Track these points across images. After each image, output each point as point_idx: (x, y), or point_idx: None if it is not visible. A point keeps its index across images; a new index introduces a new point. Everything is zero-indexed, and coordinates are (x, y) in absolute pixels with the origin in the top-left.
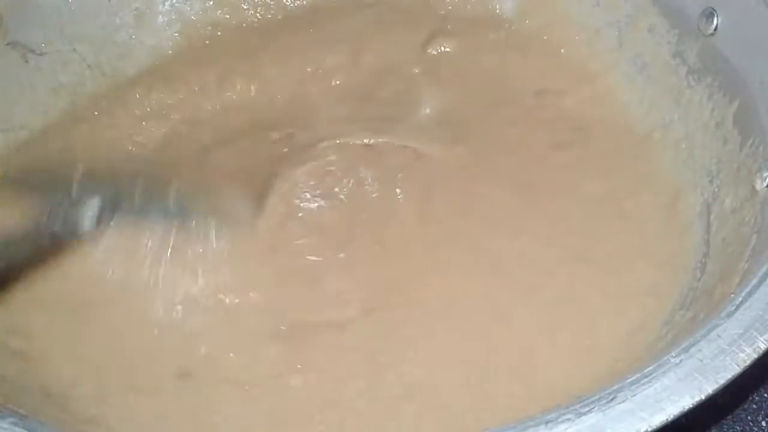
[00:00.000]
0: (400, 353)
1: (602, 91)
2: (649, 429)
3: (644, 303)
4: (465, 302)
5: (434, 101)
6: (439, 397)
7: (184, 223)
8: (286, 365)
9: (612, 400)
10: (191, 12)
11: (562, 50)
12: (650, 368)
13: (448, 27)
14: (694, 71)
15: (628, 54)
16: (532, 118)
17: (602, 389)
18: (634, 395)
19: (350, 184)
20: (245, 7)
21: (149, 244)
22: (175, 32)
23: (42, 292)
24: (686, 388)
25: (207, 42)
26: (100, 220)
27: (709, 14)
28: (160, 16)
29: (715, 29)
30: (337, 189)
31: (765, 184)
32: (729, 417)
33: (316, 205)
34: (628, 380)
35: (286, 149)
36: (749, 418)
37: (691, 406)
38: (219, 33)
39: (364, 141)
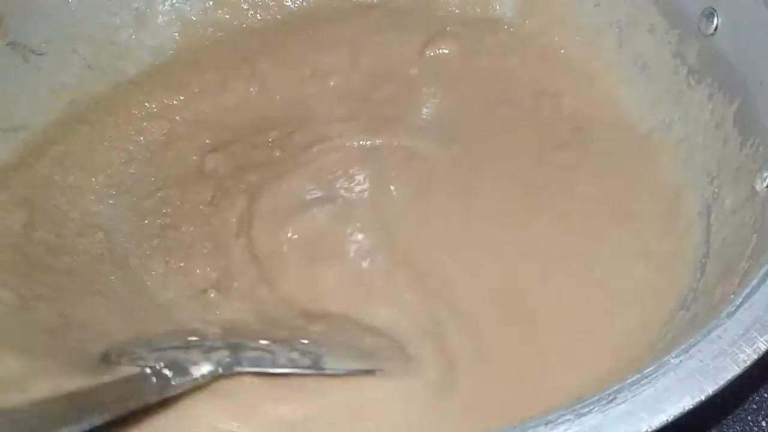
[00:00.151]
0: None
1: (602, 91)
2: (649, 429)
3: (644, 303)
4: (463, 298)
5: (432, 103)
6: None
7: None
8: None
9: (612, 400)
10: (191, 12)
11: (562, 51)
12: (650, 369)
13: (447, 29)
14: (694, 71)
15: (628, 54)
16: (531, 118)
17: (602, 389)
18: (634, 396)
19: (347, 184)
20: (245, 7)
21: None
22: (175, 32)
23: None
24: (686, 389)
25: (207, 43)
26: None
27: (709, 14)
28: (160, 16)
29: (715, 29)
30: (334, 188)
31: (765, 184)
32: (729, 417)
33: (314, 204)
34: (628, 380)
35: (285, 149)
36: (749, 418)
37: (691, 406)
38: (219, 34)
39: (362, 142)
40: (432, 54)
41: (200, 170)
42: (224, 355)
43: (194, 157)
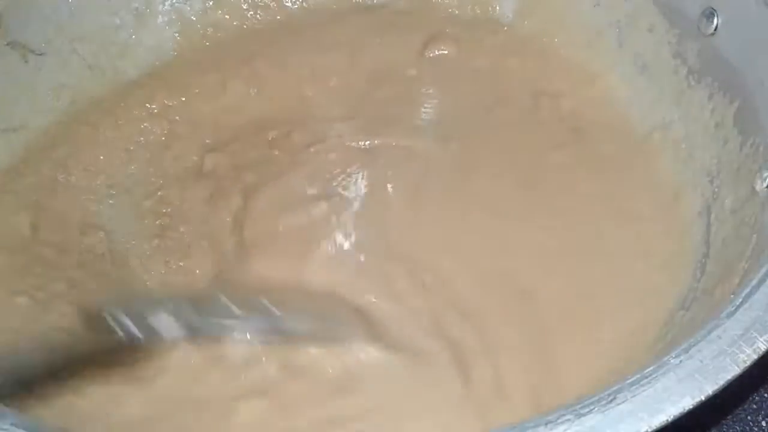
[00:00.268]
0: None
1: (602, 91)
2: (649, 430)
3: (644, 303)
4: (461, 296)
5: (432, 103)
6: None
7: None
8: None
9: (612, 400)
10: (191, 12)
11: (562, 51)
12: (650, 369)
13: (447, 30)
14: (694, 71)
15: (628, 54)
16: (530, 119)
17: (602, 389)
18: (634, 396)
19: (345, 182)
20: (245, 8)
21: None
22: (175, 32)
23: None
24: (686, 389)
25: (207, 43)
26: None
27: (709, 14)
28: (160, 16)
29: (715, 29)
30: (332, 186)
31: (765, 184)
32: (729, 417)
33: (310, 202)
34: (628, 380)
35: (283, 149)
36: (749, 418)
37: (691, 406)
38: (219, 34)
39: (360, 142)
40: (431, 55)
41: (199, 170)
42: (194, 318)
43: (194, 157)
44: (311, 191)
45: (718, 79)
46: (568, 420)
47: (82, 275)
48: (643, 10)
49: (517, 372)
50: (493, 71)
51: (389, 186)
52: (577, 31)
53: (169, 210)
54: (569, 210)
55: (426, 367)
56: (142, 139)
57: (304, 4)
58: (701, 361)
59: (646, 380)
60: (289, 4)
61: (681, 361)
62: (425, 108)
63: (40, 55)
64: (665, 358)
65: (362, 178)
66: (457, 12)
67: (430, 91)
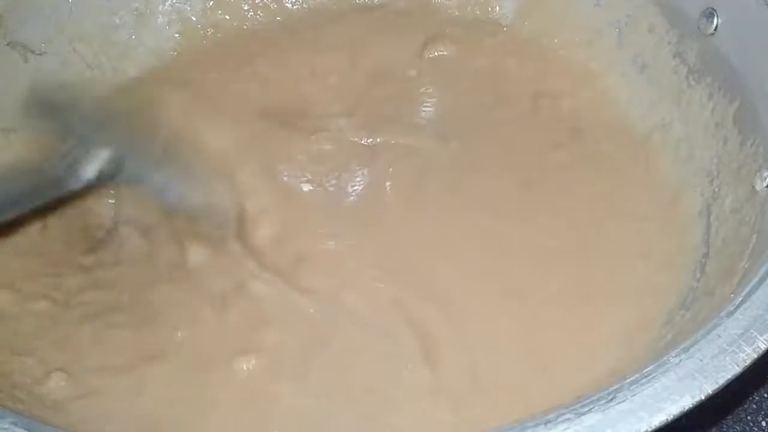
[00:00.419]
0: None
1: (602, 91)
2: (649, 429)
3: (644, 303)
4: (458, 295)
5: (431, 103)
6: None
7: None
8: None
9: (612, 400)
10: (191, 12)
11: (561, 52)
12: (650, 368)
13: (447, 30)
14: (694, 71)
15: (628, 54)
16: (530, 119)
17: (602, 389)
18: (634, 395)
19: (342, 177)
20: (245, 8)
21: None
22: (176, 32)
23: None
24: (686, 388)
25: (207, 43)
26: (105, 174)
27: (709, 14)
28: (160, 16)
29: (715, 29)
30: (328, 181)
31: (765, 184)
32: (729, 417)
33: (307, 192)
34: (628, 380)
35: (281, 138)
36: (749, 418)
37: (691, 406)
38: (219, 34)
39: (359, 139)
40: (431, 55)
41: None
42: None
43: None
44: (308, 185)
45: (718, 79)
46: (568, 419)
47: (92, 261)
48: (643, 10)
49: (502, 369)
50: (493, 71)
51: (387, 184)
52: (577, 31)
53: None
54: (569, 210)
55: (396, 358)
56: None
57: (304, 4)
58: (701, 361)
59: (645, 379)
60: (289, 5)
61: (681, 361)
62: (425, 107)
63: (40, 55)
64: (665, 358)
65: (360, 175)
66: (456, 13)
67: (430, 91)
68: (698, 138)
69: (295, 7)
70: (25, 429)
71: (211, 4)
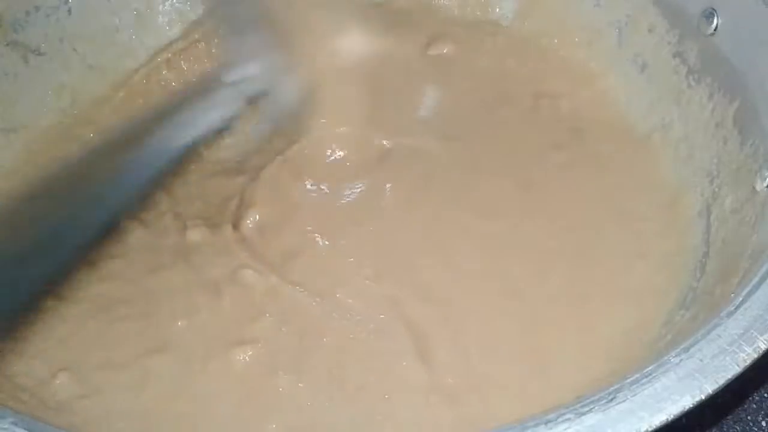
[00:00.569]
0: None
1: (601, 91)
2: (649, 429)
3: (644, 303)
4: (455, 295)
5: (432, 102)
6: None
7: None
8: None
9: (612, 400)
10: (191, 12)
11: (561, 52)
12: (650, 368)
13: (447, 30)
14: (694, 71)
15: (628, 54)
16: (530, 119)
17: (602, 389)
18: (634, 395)
19: (342, 175)
20: None
21: None
22: (176, 32)
23: None
24: (686, 388)
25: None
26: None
27: (709, 14)
28: (160, 16)
29: (715, 29)
30: (328, 178)
31: (765, 184)
32: (729, 417)
33: (305, 192)
34: (628, 380)
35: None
36: (749, 418)
37: (691, 406)
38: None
39: (359, 137)
40: (432, 55)
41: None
42: None
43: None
44: (307, 183)
45: (718, 79)
46: (568, 419)
47: (97, 255)
48: (643, 10)
49: (500, 368)
50: (493, 71)
51: (386, 184)
52: (576, 31)
53: (171, 202)
54: (569, 210)
55: (390, 355)
56: None
57: None
58: (701, 360)
59: (646, 379)
60: None
61: (681, 361)
62: (425, 107)
63: (40, 55)
64: (665, 358)
65: (360, 173)
66: (456, 12)
67: (431, 90)
68: (698, 138)
69: None
70: (25, 429)
71: None
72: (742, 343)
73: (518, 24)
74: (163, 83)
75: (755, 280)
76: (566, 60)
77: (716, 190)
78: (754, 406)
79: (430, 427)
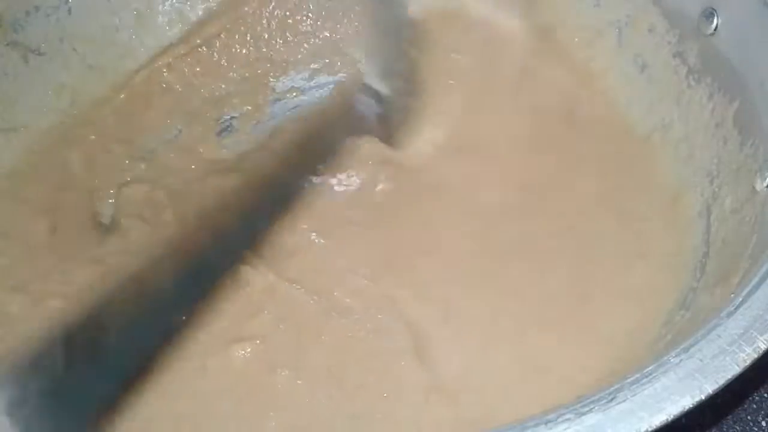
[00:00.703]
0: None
1: (602, 91)
2: (650, 429)
3: (644, 303)
4: (454, 294)
5: (430, 102)
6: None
7: None
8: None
9: (612, 400)
10: (191, 12)
11: (561, 51)
12: (650, 368)
13: None
14: (694, 71)
15: (628, 54)
16: (529, 119)
17: (602, 389)
18: (634, 395)
19: (341, 173)
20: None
21: None
22: (176, 32)
23: None
24: (686, 388)
25: None
26: None
27: (709, 14)
28: (160, 16)
29: (715, 29)
30: (329, 175)
31: (765, 184)
32: (729, 417)
33: (303, 191)
34: (628, 380)
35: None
36: (749, 418)
37: (691, 406)
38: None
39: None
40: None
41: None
42: None
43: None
44: (308, 180)
45: (718, 79)
46: (568, 419)
47: (101, 252)
48: (643, 10)
49: (499, 368)
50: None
51: (385, 184)
52: (577, 30)
53: (173, 204)
54: (568, 210)
55: (388, 354)
56: (144, 138)
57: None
58: (701, 361)
59: (646, 379)
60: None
61: (681, 361)
62: (425, 106)
63: (40, 55)
64: (665, 358)
65: (355, 174)
66: None
67: (428, 90)
68: (698, 138)
69: None
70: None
71: (211, 3)
72: (742, 343)
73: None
74: (164, 85)
75: (755, 280)
76: (566, 60)
77: (716, 190)
78: (754, 406)
79: (429, 427)
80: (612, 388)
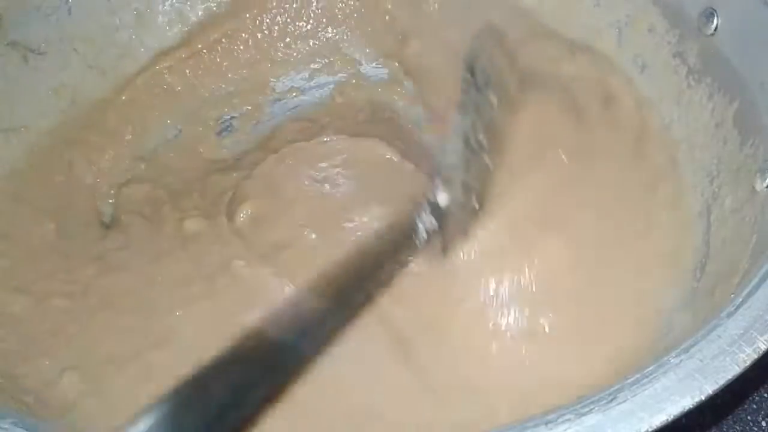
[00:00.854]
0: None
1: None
2: (650, 429)
3: (644, 303)
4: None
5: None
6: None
7: None
8: None
9: (612, 400)
10: (191, 12)
11: None
12: (650, 368)
13: None
14: (694, 71)
15: (628, 54)
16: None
17: (602, 389)
18: (634, 395)
19: (342, 171)
20: None
21: None
22: (176, 32)
23: None
24: (686, 389)
25: None
26: None
27: (709, 14)
28: (160, 16)
29: (715, 29)
30: (332, 173)
31: (765, 184)
32: (729, 417)
33: (297, 188)
34: (628, 380)
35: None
36: (749, 418)
37: (691, 406)
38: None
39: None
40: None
41: (201, 164)
42: None
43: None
44: (312, 176)
45: (718, 79)
46: (568, 419)
47: (103, 248)
48: (643, 10)
49: (493, 369)
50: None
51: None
52: (577, 30)
53: (173, 201)
54: (567, 209)
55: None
56: (144, 138)
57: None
58: (701, 361)
59: (646, 380)
60: None
61: (681, 361)
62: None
63: (40, 55)
64: (665, 358)
65: (348, 171)
66: None
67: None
68: (698, 138)
69: None
70: (25, 429)
71: (211, 3)
72: (742, 343)
73: None
74: (164, 86)
75: (755, 280)
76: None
77: (716, 190)
78: (754, 406)
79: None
80: (612, 389)
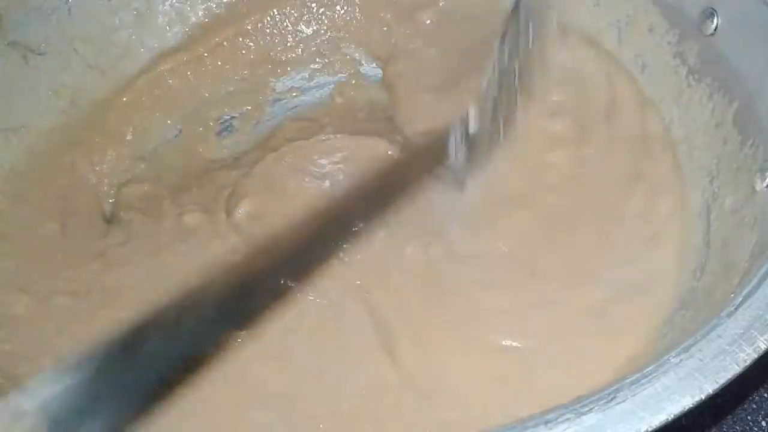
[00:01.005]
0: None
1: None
2: (649, 429)
3: (644, 302)
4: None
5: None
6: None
7: None
8: None
9: (612, 400)
10: (191, 12)
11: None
12: (650, 368)
13: None
14: (694, 71)
15: (628, 54)
16: (529, 118)
17: (602, 389)
18: (634, 395)
19: (325, 166)
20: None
21: None
22: (176, 32)
23: None
24: (686, 388)
25: None
26: None
27: (709, 14)
28: (160, 16)
29: (715, 29)
30: (333, 170)
31: (765, 184)
32: (729, 417)
33: (295, 185)
34: (628, 380)
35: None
36: (749, 418)
37: (691, 406)
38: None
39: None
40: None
41: (201, 163)
42: None
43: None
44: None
45: (718, 79)
46: (568, 419)
47: (105, 244)
48: (643, 10)
49: (478, 374)
50: None
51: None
52: (577, 31)
53: (173, 201)
54: (567, 209)
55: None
56: (144, 138)
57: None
58: (701, 360)
59: (646, 379)
60: None
61: (681, 360)
62: None
63: (40, 55)
64: (665, 358)
65: (342, 168)
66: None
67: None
68: (698, 138)
69: None
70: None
71: (210, 3)
72: (742, 343)
73: None
74: (166, 87)
75: (755, 280)
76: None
77: (716, 190)
78: (754, 406)
79: (411, 426)
80: (612, 388)
